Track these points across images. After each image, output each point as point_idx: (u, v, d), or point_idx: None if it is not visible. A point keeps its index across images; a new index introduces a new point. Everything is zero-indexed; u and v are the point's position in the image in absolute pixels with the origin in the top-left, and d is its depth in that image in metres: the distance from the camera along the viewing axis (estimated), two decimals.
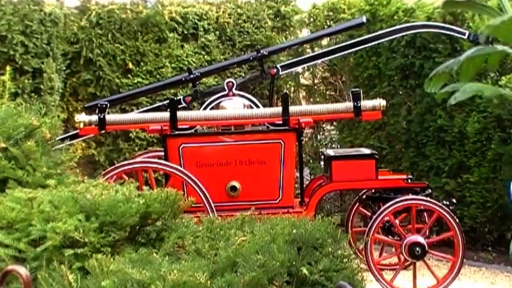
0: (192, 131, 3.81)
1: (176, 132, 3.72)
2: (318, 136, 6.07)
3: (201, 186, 3.47)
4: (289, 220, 2.14)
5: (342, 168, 3.71)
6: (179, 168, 3.57)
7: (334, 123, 5.79)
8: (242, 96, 3.94)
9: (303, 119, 3.70)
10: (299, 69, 5.58)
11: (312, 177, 5.25)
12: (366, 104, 3.76)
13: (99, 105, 3.81)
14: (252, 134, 3.79)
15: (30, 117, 2.74)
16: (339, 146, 5.77)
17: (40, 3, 4.76)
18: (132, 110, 5.13)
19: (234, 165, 3.65)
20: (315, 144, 6.02)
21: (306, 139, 5.92)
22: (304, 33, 5.88)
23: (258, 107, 3.90)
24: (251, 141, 3.71)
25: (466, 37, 3.99)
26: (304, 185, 4.07)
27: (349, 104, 3.80)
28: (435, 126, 4.84)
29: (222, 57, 5.74)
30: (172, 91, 5.34)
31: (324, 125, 5.94)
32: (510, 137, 4.35)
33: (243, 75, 5.44)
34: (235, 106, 3.85)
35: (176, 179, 3.54)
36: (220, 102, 3.91)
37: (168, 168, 3.56)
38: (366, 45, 4.32)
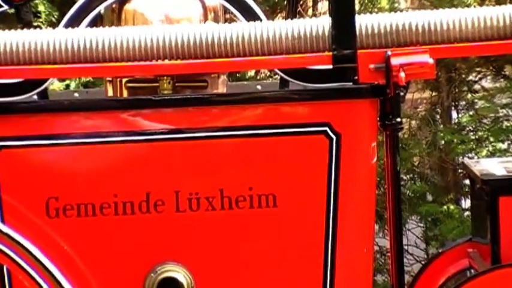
0: (33, 95, 3.50)
1: None
2: (453, 114, 6.07)
3: (60, 278, 3.26)
4: None
5: None
6: None
7: (506, 71, 5.63)
8: None
9: (402, 57, 3.29)
10: None
11: (433, 250, 5.49)
12: None
13: None
14: (232, 105, 3.47)
15: None
16: None
17: None
18: None
19: (170, 211, 3.29)
20: (441, 141, 5.78)
21: (415, 123, 5.91)
22: None
23: (253, 18, 3.59)
24: (233, 132, 3.44)
25: None
26: (410, 273, 4.47)
27: None
28: None
29: None
30: None
31: (470, 79, 5.99)
32: None
33: None
34: (176, 14, 3.67)
35: None
36: (124, 2, 3.71)
37: None
38: None
